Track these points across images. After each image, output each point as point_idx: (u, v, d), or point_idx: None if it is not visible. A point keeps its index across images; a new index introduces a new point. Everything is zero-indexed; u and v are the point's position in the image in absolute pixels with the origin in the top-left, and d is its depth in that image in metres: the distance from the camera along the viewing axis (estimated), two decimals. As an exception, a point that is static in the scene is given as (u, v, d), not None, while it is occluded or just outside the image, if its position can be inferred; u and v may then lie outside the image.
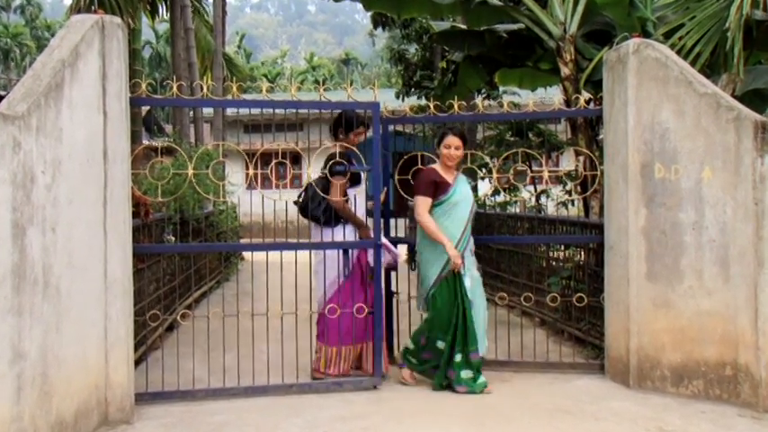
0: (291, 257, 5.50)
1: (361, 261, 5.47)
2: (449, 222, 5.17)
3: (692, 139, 4.98)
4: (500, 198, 9.67)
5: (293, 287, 5.46)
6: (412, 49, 17.74)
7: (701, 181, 4.95)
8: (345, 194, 5.45)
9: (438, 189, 5.21)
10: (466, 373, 5.13)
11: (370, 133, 5.47)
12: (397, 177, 5.80)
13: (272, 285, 5.29)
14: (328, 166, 5.44)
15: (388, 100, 7.02)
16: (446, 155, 5.26)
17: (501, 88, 12.96)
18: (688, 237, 4.99)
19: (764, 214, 4.70)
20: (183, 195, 7.83)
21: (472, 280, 5.19)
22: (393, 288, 5.95)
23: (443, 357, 5.16)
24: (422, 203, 5.22)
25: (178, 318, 5.62)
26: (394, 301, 5.95)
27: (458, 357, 5.13)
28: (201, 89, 5.45)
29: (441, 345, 5.18)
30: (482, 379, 5.16)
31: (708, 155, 4.93)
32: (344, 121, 5.54)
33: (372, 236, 5.39)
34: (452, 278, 5.14)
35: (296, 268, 5.46)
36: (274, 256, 5.34)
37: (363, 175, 5.52)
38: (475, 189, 6.95)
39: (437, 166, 5.33)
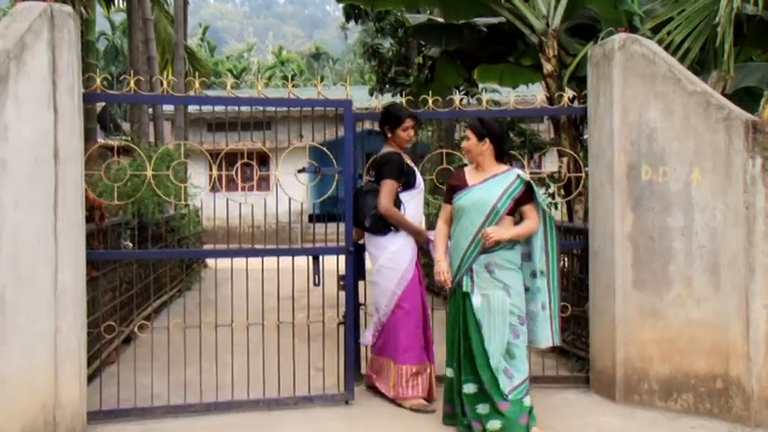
0: (258, 264, 5.45)
1: (419, 270, 5.35)
2: (458, 231, 4.67)
3: (681, 139, 5.01)
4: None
5: (259, 296, 5.40)
6: (386, 43, 17.74)
7: (690, 184, 4.99)
8: (397, 198, 5.25)
9: (454, 193, 4.77)
10: (483, 408, 4.51)
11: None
12: (366, 179, 5.77)
13: (237, 294, 5.23)
14: (377, 168, 5.33)
15: (362, 97, 7.01)
16: (463, 149, 4.82)
17: (480, 85, 13.01)
18: (677, 242, 5.02)
19: (756, 219, 4.74)
20: (142, 198, 7.73)
21: (487, 300, 4.52)
22: (361, 299, 5.91)
23: (454, 389, 4.67)
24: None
25: (135, 329, 5.54)
26: (361, 313, 5.83)
27: (467, 388, 4.57)
28: (161, 84, 5.39)
29: (449, 372, 4.74)
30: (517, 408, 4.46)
31: (697, 156, 4.97)
32: (390, 116, 5.33)
33: (430, 240, 5.19)
34: (459, 291, 4.65)
35: (262, 276, 5.40)
36: (240, 263, 5.28)
37: (419, 178, 5.37)
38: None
39: (469, 168, 4.85)
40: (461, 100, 6.18)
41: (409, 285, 5.20)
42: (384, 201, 5.07)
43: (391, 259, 5.24)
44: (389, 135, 5.37)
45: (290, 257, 5.52)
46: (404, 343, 5.16)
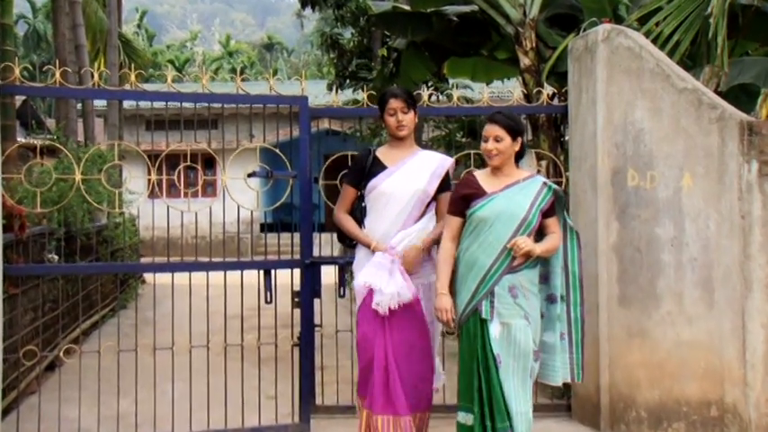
0: (202, 280, 5.40)
1: (412, 302, 4.46)
2: (476, 247, 4.25)
3: (670, 141, 5.08)
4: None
5: (204, 315, 5.36)
6: (347, 33, 17.78)
7: (681, 190, 5.05)
8: (358, 203, 4.66)
9: (469, 203, 4.33)
10: None
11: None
12: (322, 183, 5.76)
13: (178, 313, 5.18)
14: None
15: (319, 93, 7.02)
16: (482, 149, 4.37)
17: (450, 80, 13.06)
18: (666, 255, 5.08)
19: (752, 229, 4.82)
20: (70, 205, 7.63)
21: (507, 330, 4.16)
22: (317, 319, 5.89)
23: None
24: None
25: (61, 354, 5.44)
26: (317, 334, 5.73)
27: None
28: (92, 77, 5.33)
29: (463, 418, 4.24)
30: None
31: (688, 160, 5.04)
32: (379, 101, 4.72)
33: (389, 253, 4.42)
34: (475, 319, 4.22)
35: (208, 292, 5.36)
36: (182, 278, 5.23)
37: (385, 176, 4.55)
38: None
39: (481, 172, 4.50)
40: (429, 96, 6.21)
41: (362, 309, 4.51)
42: (336, 207, 4.69)
43: (354, 274, 4.70)
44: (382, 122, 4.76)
45: (239, 272, 5.48)
46: (360, 373, 4.60)
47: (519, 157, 4.36)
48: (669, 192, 5.08)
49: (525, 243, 4.11)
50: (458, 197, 4.39)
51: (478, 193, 4.30)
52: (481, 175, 4.42)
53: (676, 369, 5.06)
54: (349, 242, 4.70)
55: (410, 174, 4.51)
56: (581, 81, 5.47)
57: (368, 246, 4.46)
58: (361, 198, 4.62)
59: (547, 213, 4.29)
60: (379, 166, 4.54)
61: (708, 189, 4.98)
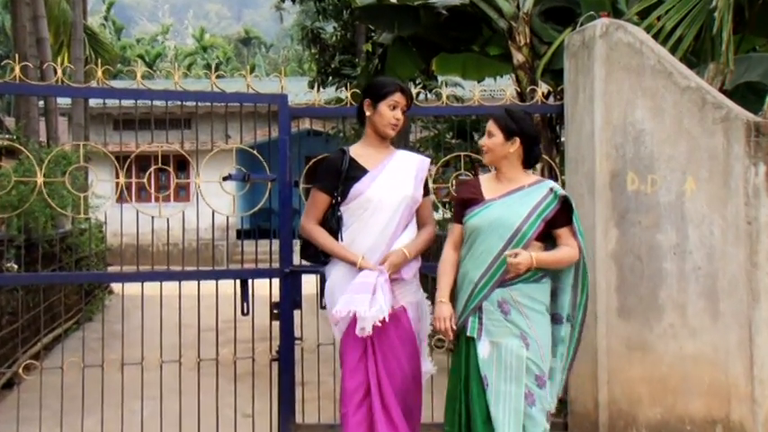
0: (174, 290, 5.39)
1: (402, 322, 4.28)
2: (468, 258, 4.21)
3: (673, 143, 5.10)
4: (438, 215, 9.73)
5: (176, 328, 5.34)
6: (329, 27, 17.78)
7: (684, 194, 5.08)
8: (331, 212, 4.35)
9: (465, 209, 4.28)
10: None
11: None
12: (302, 186, 5.76)
13: (149, 326, 5.17)
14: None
15: (300, 91, 7.02)
16: (482, 148, 4.30)
17: (440, 78, 13.11)
18: (668, 263, 5.10)
19: (759, 236, 4.84)
20: (31, 210, 7.59)
21: (497, 350, 4.06)
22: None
23: None
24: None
25: (20, 371, 5.41)
26: (297, 348, 5.72)
27: None
28: (55, 72, 5.31)
29: None
30: None
31: (691, 162, 5.06)
32: (372, 88, 4.42)
33: (363, 271, 4.18)
34: (463, 336, 4.16)
35: (180, 303, 5.34)
36: (153, 288, 5.22)
37: (369, 183, 4.28)
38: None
39: (486, 176, 4.41)
40: (417, 95, 6.23)
41: (345, 339, 4.26)
42: (303, 216, 4.36)
43: (327, 299, 4.36)
44: (367, 118, 4.37)
45: (214, 281, 5.47)
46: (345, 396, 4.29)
47: (529, 161, 4.28)
48: (671, 196, 5.10)
49: (521, 256, 3.97)
50: (457, 202, 4.38)
51: (477, 198, 4.24)
52: (485, 180, 4.35)
53: (679, 385, 5.08)
54: (321, 257, 4.39)
55: (395, 178, 4.31)
56: (578, 79, 5.49)
57: (353, 263, 4.17)
58: (334, 206, 4.31)
59: (555, 223, 4.15)
60: (358, 170, 4.28)
61: (712, 193, 5.00)
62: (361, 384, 4.16)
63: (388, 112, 4.27)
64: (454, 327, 4.13)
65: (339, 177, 4.28)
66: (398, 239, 4.27)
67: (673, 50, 5.95)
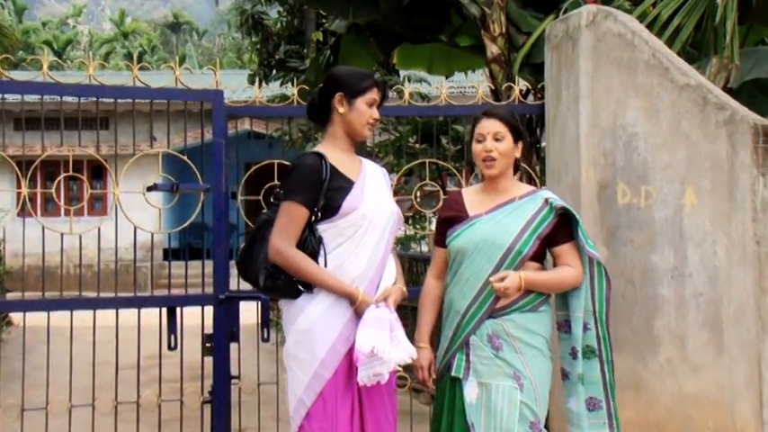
0: (88, 320, 5.33)
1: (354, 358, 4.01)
2: (452, 285, 4.17)
3: (670, 149, 5.14)
4: (399, 232, 9.74)
5: (90, 366, 5.28)
6: (273, 12, 17.78)
7: (682, 209, 5.11)
8: (308, 232, 4.09)
9: (449, 229, 4.23)
10: None
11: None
12: (241, 198, 5.74)
13: (55, 364, 5.11)
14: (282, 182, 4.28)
15: (238, 86, 6.98)
16: (476, 153, 4.19)
17: (402, 72, 13.15)
18: (665, 288, 5.12)
19: (769, 256, 4.89)
20: None
21: (486, 393, 4.00)
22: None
23: None
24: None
25: None
26: (233, 389, 5.68)
27: None
28: (-54, 63, 5.25)
29: None
30: None
31: (691, 172, 5.09)
32: (343, 81, 4.23)
33: (371, 305, 3.99)
34: (447, 377, 4.13)
35: (94, 337, 5.29)
36: (61, 318, 5.16)
37: (357, 197, 4.10)
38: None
39: (470, 189, 4.42)
40: (376, 92, 6.23)
41: (325, 395, 3.98)
42: (276, 237, 4.05)
43: (299, 342, 4.05)
44: (337, 116, 4.20)
45: (136, 310, 5.42)
46: None
47: (516, 169, 4.27)
48: (668, 211, 5.13)
49: (509, 281, 3.89)
50: (439, 222, 4.31)
51: (460, 215, 4.18)
52: (469, 193, 4.31)
53: (679, 429, 5.10)
54: (296, 289, 4.04)
55: (379, 189, 4.20)
56: (561, 75, 5.53)
57: (349, 297, 3.96)
58: (310, 224, 4.05)
59: (553, 240, 4.12)
60: (342, 180, 4.08)
61: (715, 208, 5.04)
62: None
63: (366, 110, 4.15)
64: (434, 375, 4.12)
65: (321, 188, 4.03)
66: (387, 266, 4.15)
67: (670, 42, 5.99)
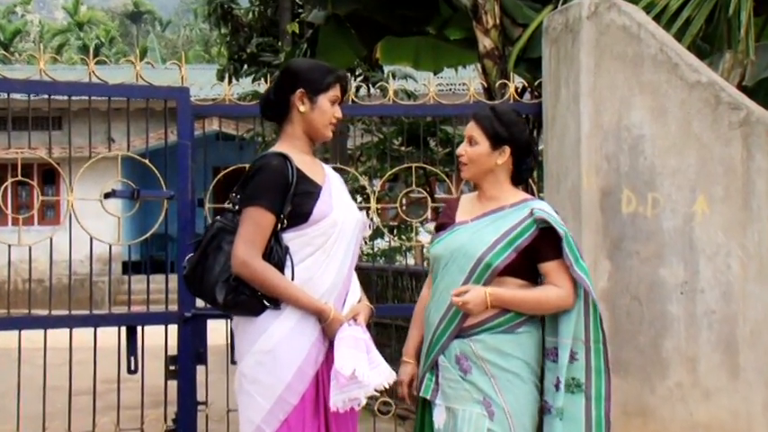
0: (39, 341, 5.31)
1: (321, 381, 3.99)
2: (430, 298, 4.18)
3: (679, 152, 5.15)
4: (383, 243, 9.74)
5: (40, 391, 5.26)
6: (244, 1, 17.77)
7: (693, 218, 5.12)
8: (273, 242, 4.00)
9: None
10: None
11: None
12: (209, 206, 5.73)
13: (3, 390, 5.09)
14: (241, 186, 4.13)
15: (206, 82, 6.93)
16: (459, 157, 4.20)
17: (386, 68, 13.17)
18: (674, 305, 5.13)
19: (787, 270, 4.91)
20: None
21: (453, 419, 3.96)
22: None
23: None
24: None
25: None
26: (199, 416, 5.71)
27: None
28: None
29: None
30: None
31: (702, 177, 5.10)
32: (303, 76, 4.16)
33: (343, 323, 3.96)
34: (421, 402, 4.14)
35: (45, 359, 5.27)
36: (8, 338, 5.14)
37: (329, 202, 4.06)
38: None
39: (468, 195, 4.40)
40: (357, 89, 6.25)
41: (291, 423, 3.91)
42: (240, 247, 3.93)
43: (261, 363, 3.96)
44: (296, 114, 4.15)
45: (92, 329, 5.41)
46: None
47: (520, 176, 4.21)
48: (677, 220, 5.14)
49: (469, 294, 3.85)
50: (435, 229, 4.31)
51: (449, 222, 4.19)
52: (465, 200, 4.31)
53: (688, 460, 5.12)
54: (260, 305, 3.95)
55: (344, 195, 4.18)
56: (560, 71, 5.54)
57: (320, 314, 3.92)
58: (274, 233, 3.97)
59: (541, 255, 4.01)
60: (309, 184, 4.03)
61: (729, 217, 5.05)
62: None
63: (328, 108, 4.09)
64: (414, 392, 4.13)
65: (287, 193, 3.96)
66: (353, 279, 4.13)
67: (679, 36, 6.01)
